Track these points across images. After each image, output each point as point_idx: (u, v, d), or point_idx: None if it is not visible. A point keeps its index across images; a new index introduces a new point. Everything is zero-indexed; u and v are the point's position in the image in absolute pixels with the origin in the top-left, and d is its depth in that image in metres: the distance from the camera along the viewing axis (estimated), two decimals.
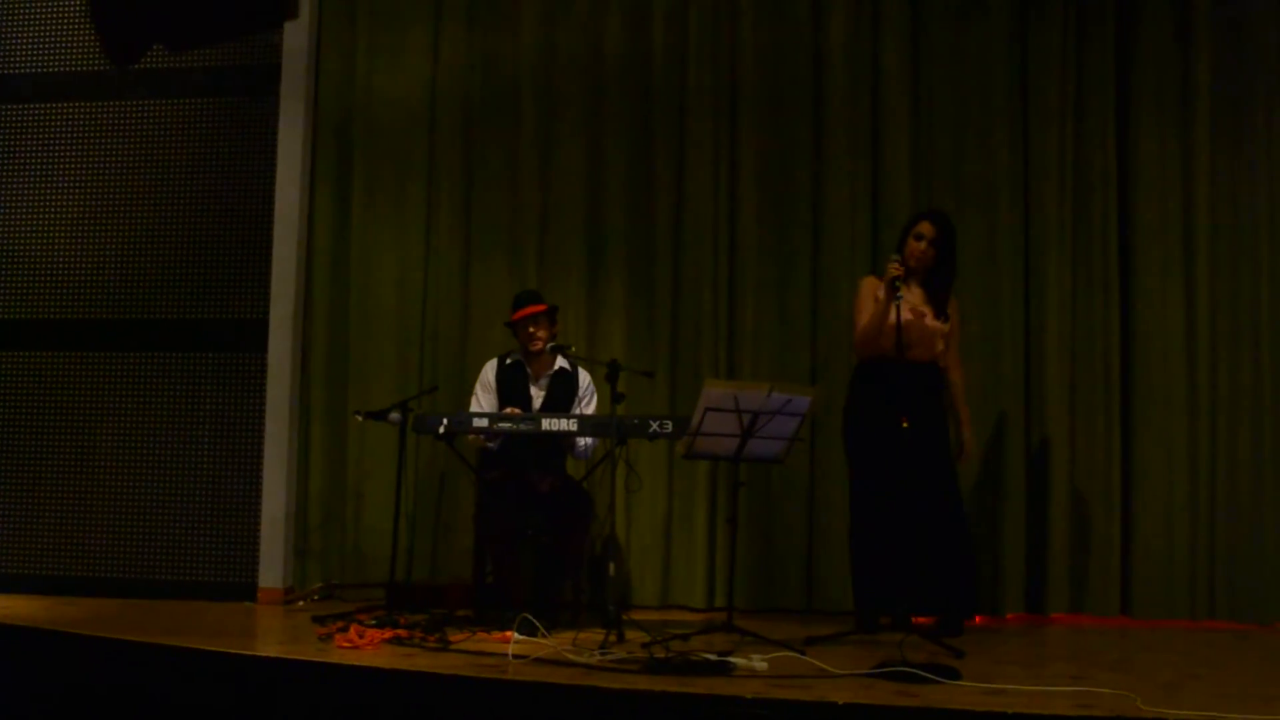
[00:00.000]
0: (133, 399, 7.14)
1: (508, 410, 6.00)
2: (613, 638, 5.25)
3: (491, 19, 7.28)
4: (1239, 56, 6.76)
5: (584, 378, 6.33)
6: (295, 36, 7.24)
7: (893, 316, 5.51)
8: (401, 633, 5.41)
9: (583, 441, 6.13)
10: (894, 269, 5.60)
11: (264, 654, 5.10)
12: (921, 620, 5.67)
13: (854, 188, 6.93)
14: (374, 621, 5.63)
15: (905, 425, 5.34)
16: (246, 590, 6.91)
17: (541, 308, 6.18)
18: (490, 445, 6.11)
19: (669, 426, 5.76)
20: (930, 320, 5.88)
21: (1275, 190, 6.69)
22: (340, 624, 5.62)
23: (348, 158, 7.28)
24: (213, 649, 5.02)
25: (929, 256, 5.88)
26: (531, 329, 6.16)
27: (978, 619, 6.48)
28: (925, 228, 5.94)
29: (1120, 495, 6.67)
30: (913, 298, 5.88)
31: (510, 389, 6.22)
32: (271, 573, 6.93)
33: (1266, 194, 6.69)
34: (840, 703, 4.08)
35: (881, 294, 5.74)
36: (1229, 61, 6.77)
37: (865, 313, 5.90)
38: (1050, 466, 6.69)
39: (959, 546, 5.93)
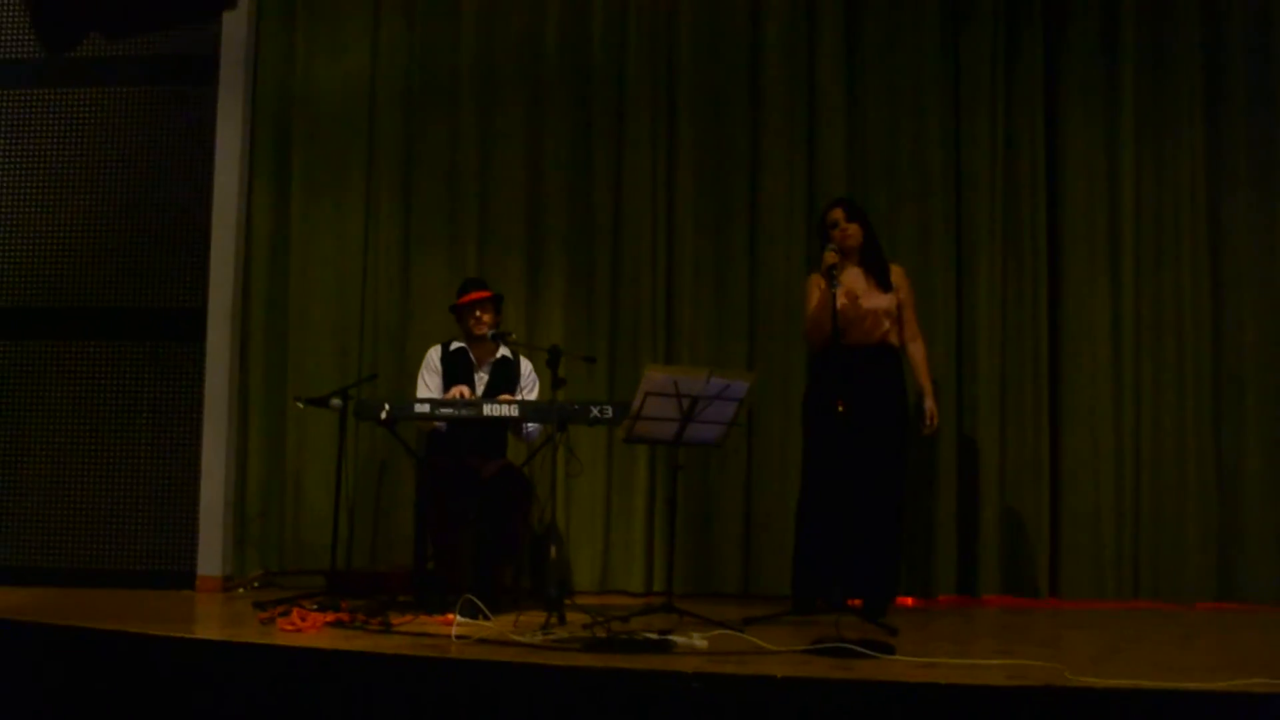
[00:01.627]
0: (70, 388, 7.09)
1: (458, 389, 6.05)
2: (554, 620, 5.28)
3: (430, 10, 7.33)
4: (1163, 55, 6.96)
5: (526, 365, 6.38)
6: (234, 25, 7.25)
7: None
8: (344, 616, 5.42)
9: (529, 424, 6.17)
10: (830, 257, 5.70)
11: (205, 637, 5.11)
12: (854, 603, 5.78)
13: (790, 180, 7.06)
14: (315, 606, 5.64)
15: (840, 410, 5.43)
16: (185, 578, 6.90)
17: (489, 293, 6.26)
18: (440, 425, 6.15)
19: (609, 412, 5.81)
20: (868, 300, 5.99)
21: (1196, 185, 6.88)
22: (281, 608, 5.61)
23: (286, 147, 7.29)
24: (154, 633, 5.01)
25: (854, 235, 6.02)
26: (479, 313, 6.22)
27: (910, 601, 6.64)
28: (836, 214, 6.11)
29: (1049, 480, 6.83)
30: (851, 280, 6.00)
31: (455, 374, 6.26)
32: (210, 561, 6.93)
33: (1189, 189, 6.88)
34: (779, 676, 4.17)
35: (824, 285, 5.89)
36: (1153, 60, 6.96)
37: (811, 305, 6.03)
38: (981, 453, 6.85)
39: (890, 533, 6.05)
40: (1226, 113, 6.91)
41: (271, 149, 7.29)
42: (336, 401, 6.28)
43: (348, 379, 6.82)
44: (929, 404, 6.14)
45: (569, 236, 7.16)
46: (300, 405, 6.54)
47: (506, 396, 6.09)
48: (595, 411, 5.82)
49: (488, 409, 5.86)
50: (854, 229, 6.05)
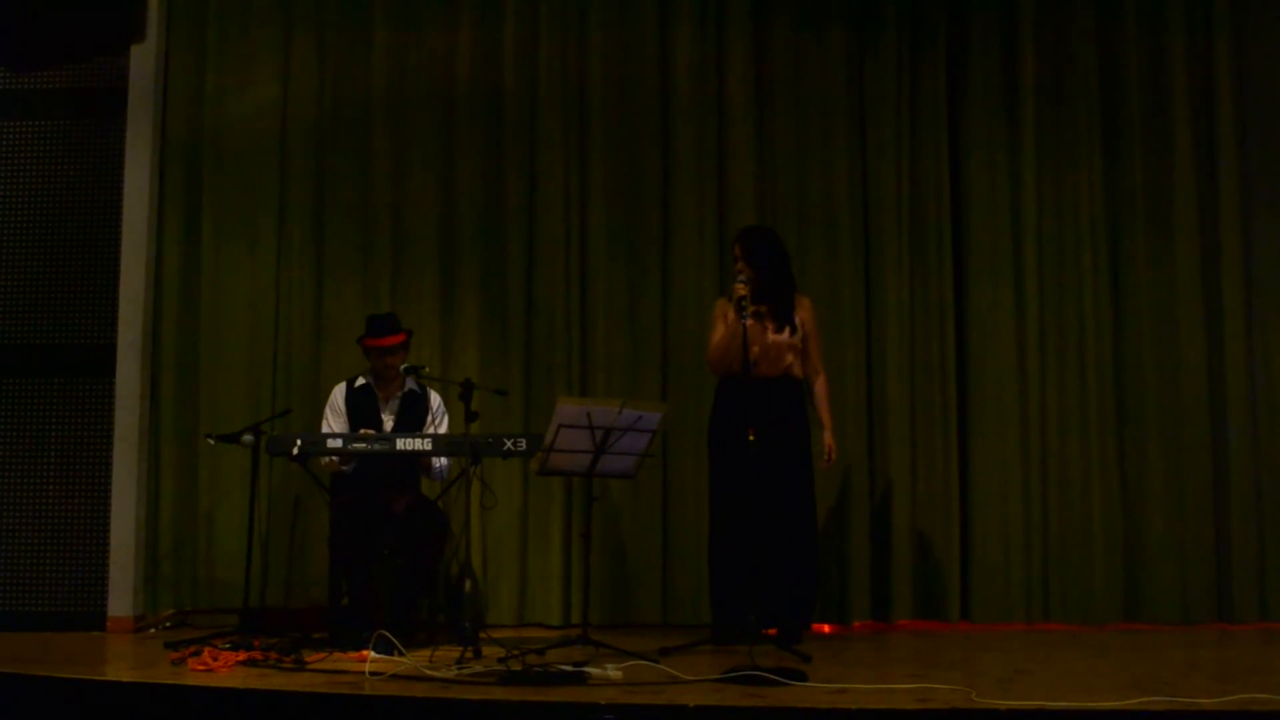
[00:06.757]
0: None
1: (361, 430, 6.03)
2: (469, 654, 5.28)
3: (342, 44, 7.31)
4: (1062, 91, 7.17)
5: (434, 398, 6.38)
6: (142, 59, 7.19)
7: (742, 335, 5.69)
8: (256, 654, 5.37)
9: (438, 462, 6.18)
10: (740, 289, 5.76)
11: (115, 679, 5.04)
12: (770, 631, 5.83)
13: (701, 211, 7.14)
14: (228, 645, 5.57)
15: (751, 439, 5.48)
16: (95, 619, 6.78)
17: (399, 338, 6.24)
18: (344, 468, 6.13)
19: (523, 444, 5.82)
20: (772, 334, 6.06)
21: (1096, 216, 7.09)
22: (193, 648, 5.55)
23: (197, 181, 7.23)
24: (62, 676, 4.93)
25: (746, 273, 6.02)
26: (389, 360, 6.20)
27: (826, 628, 6.70)
28: (736, 248, 6.15)
29: (959, 506, 6.97)
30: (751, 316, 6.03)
31: (360, 413, 6.24)
32: (121, 601, 6.82)
33: (1088, 220, 7.09)
34: (691, 705, 4.20)
35: (732, 315, 5.92)
36: (1053, 95, 7.17)
37: (716, 333, 6.08)
38: (893, 480, 6.95)
39: (802, 560, 6.09)
40: (1124, 148, 7.14)
41: (181, 182, 7.22)
42: (248, 438, 6.23)
43: (260, 414, 6.76)
44: (828, 438, 6.22)
45: (482, 269, 7.16)
46: (211, 442, 6.46)
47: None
48: (509, 444, 5.83)
49: (401, 443, 5.84)
50: (745, 268, 6.02)
